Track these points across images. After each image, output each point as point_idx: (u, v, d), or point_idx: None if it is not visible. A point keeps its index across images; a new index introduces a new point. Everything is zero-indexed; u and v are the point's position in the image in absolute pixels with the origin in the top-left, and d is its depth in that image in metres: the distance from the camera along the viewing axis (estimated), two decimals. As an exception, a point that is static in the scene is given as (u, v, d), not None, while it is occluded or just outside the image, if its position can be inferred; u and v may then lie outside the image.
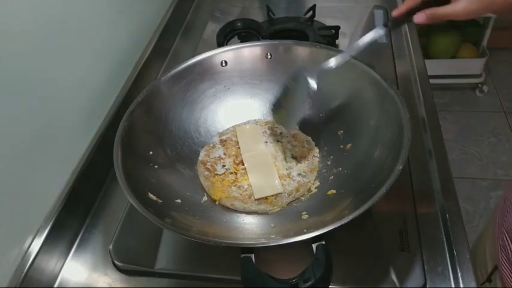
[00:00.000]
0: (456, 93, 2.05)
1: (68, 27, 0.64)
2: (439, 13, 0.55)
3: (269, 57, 0.73)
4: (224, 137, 0.71)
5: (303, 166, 0.66)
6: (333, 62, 0.61)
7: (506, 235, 0.69)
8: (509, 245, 0.68)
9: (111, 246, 0.61)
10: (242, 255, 0.46)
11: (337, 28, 0.94)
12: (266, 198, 0.62)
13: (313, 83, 0.60)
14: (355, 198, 0.54)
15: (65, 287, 0.59)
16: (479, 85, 2.01)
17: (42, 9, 0.58)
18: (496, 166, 1.73)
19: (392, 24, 0.58)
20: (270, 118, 0.74)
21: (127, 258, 0.60)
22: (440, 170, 0.66)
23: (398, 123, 0.56)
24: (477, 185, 1.65)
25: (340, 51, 0.64)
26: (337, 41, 0.95)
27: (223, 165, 0.67)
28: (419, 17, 0.56)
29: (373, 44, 0.58)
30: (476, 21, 2.00)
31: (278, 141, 0.70)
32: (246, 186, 0.64)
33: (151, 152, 0.63)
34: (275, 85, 0.74)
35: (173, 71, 0.69)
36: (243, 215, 0.61)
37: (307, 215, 0.58)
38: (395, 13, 0.58)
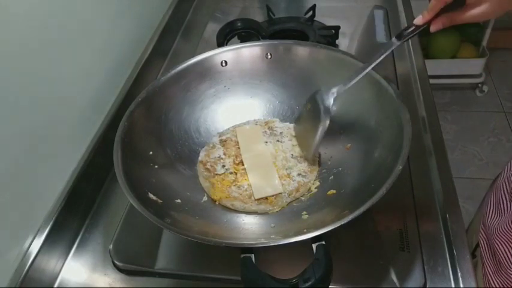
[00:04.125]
0: (456, 93, 2.05)
1: (68, 27, 0.64)
2: (457, 19, 0.53)
3: (269, 57, 0.73)
4: (224, 137, 0.71)
5: (303, 166, 0.66)
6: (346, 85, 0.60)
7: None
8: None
9: (111, 246, 0.61)
10: (242, 255, 0.46)
11: (337, 28, 0.94)
12: (266, 198, 0.62)
13: (328, 100, 0.61)
14: (355, 198, 0.54)
15: (65, 287, 0.59)
16: (479, 85, 2.01)
17: (42, 9, 0.58)
18: (496, 166, 1.72)
19: (406, 35, 0.55)
20: (270, 118, 0.74)
21: (127, 258, 0.60)
22: (440, 170, 0.66)
23: (398, 123, 0.56)
24: (477, 185, 1.65)
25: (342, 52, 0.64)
26: (337, 41, 0.95)
27: (223, 165, 0.67)
28: (437, 25, 0.53)
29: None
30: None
31: (278, 141, 0.70)
32: (246, 186, 0.64)
33: (151, 152, 0.63)
34: (275, 85, 0.74)
35: (173, 71, 0.69)
36: (243, 215, 0.61)
37: (307, 215, 0.58)
38: (419, 21, 0.54)
